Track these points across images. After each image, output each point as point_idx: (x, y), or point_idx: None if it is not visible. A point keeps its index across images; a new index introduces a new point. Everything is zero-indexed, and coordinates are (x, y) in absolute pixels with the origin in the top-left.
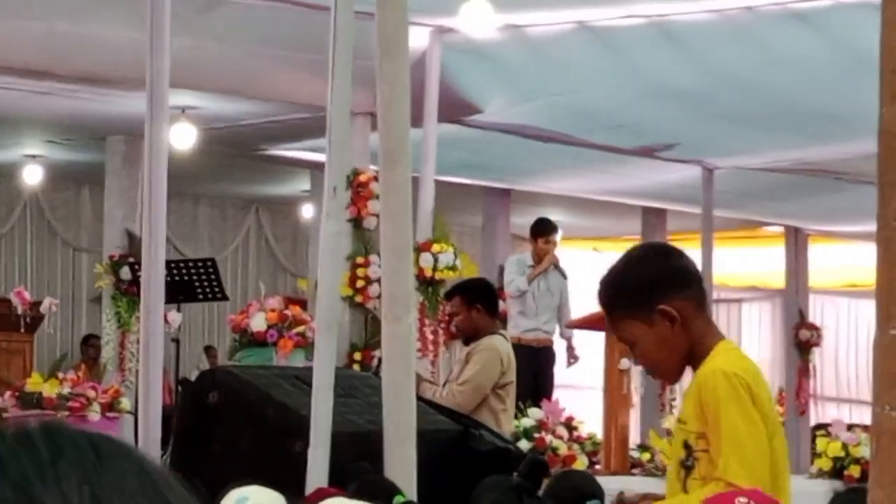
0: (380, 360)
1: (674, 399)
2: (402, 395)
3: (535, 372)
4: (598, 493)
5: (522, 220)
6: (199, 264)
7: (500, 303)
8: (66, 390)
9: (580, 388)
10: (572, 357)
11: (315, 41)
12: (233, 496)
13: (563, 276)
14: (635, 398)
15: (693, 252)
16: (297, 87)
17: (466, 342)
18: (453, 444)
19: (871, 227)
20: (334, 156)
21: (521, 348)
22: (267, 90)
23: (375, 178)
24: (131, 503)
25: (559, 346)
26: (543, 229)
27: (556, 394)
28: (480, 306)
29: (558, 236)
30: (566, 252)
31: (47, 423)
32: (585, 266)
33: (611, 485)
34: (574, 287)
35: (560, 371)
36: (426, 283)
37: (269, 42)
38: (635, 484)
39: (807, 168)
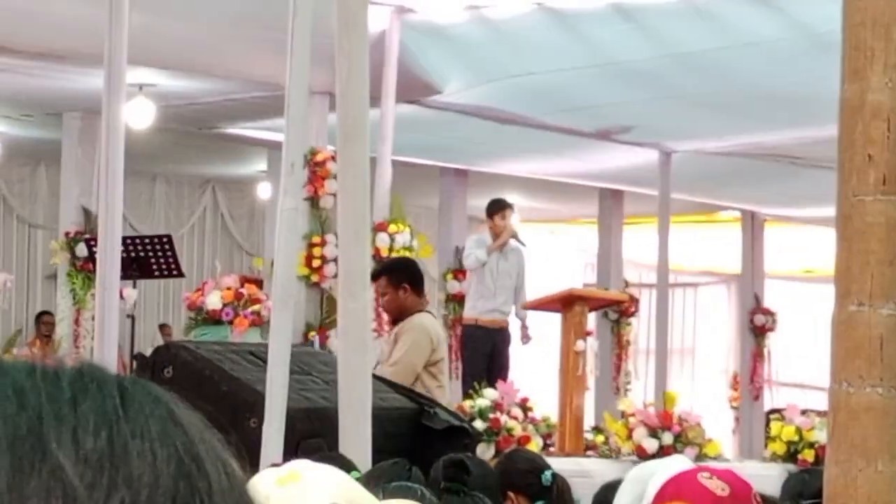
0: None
1: (629, 382)
2: (357, 373)
3: (491, 353)
4: (548, 466)
5: (479, 202)
6: (156, 241)
7: (458, 284)
8: None
9: (535, 370)
10: (525, 337)
11: (274, 19)
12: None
13: (523, 244)
14: (590, 380)
15: (650, 235)
16: (255, 66)
17: (395, 322)
18: (408, 422)
19: (828, 211)
20: (292, 132)
21: (478, 329)
22: (225, 68)
23: (333, 158)
24: (149, 450)
25: (515, 327)
26: (498, 206)
27: (512, 375)
28: (407, 286)
29: (515, 217)
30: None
31: (80, 364)
32: (542, 248)
33: (565, 466)
34: (529, 269)
35: (516, 352)
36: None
37: (228, 19)
38: (589, 465)
39: (764, 152)
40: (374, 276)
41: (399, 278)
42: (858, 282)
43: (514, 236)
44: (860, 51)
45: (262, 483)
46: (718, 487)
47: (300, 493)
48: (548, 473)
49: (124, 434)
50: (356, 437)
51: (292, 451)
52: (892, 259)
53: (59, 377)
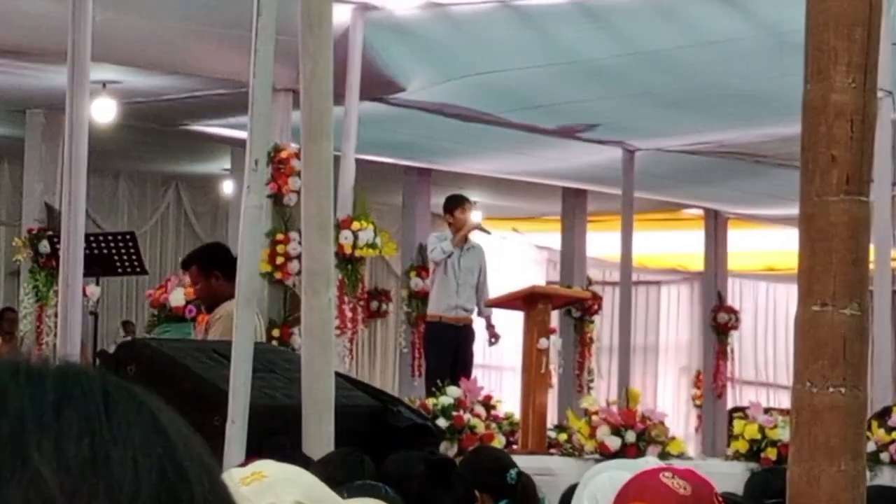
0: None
1: (592, 380)
2: (320, 370)
3: (454, 350)
4: (514, 464)
5: (442, 200)
6: (119, 237)
7: (421, 281)
8: None
9: (499, 368)
10: (493, 336)
11: (238, 16)
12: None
13: (488, 232)
14: (554, 378)
15: (613, 234)
16: (219, 63)
17: (209, 311)
18: (371, 420)
19: (790, 210)
20: (256, 129)
21: (441, 326)
22: (189, 65)
23: (296, 155)
24: (131, 458)
25: (478, 325)
26: (457, 200)
27: (475, 373)
28: (218, 273)
29: (477, 214)
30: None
31: (65, 364)
32: (506, 246)
33: (528, 464)
34: (494, 266)
35: (479, 351)
36: (346, 261)
37: (192, 17)
38: (552, 464)
39: (727, 151)
40: (186, 265)
41: (210, 265)
42: (822, 282)
43: (478, 227)
44: (823, 51)
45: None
46: (681, 487)
47: (265, 491)
48: (513, 472)
49: (107, 442)
50: (319, 434)
51: (255, 448)
52: (856, 259)
53: (43, 378)
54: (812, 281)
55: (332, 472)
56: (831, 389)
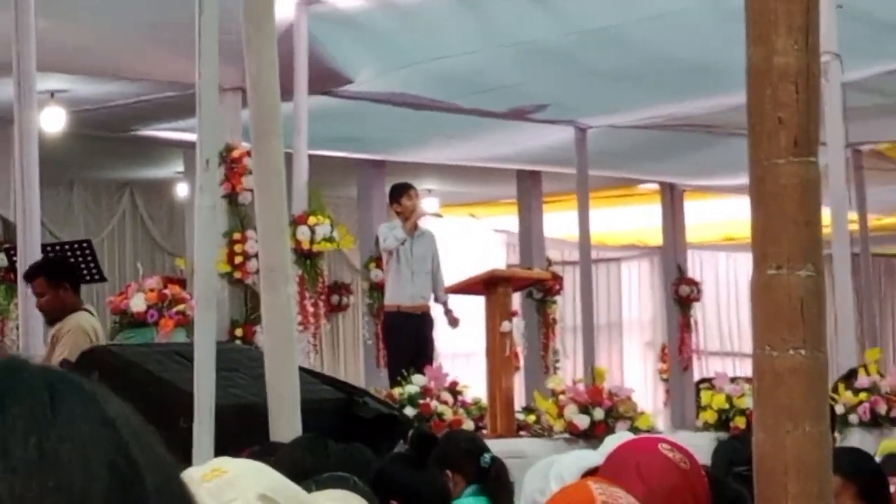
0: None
1: (557, 360)
2: (283, 366)
3: (416, 338)
4: (488, 448)
5: None
6: (76, 247)
7: (381, 272)
8: None
9: (465, 354)
10: (452, 321)
11: (181, 18)
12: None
13: (439, 215)
14: (520, 360)
15: (570, 213)
16: (165, 66)
17: (52, 323)
18: (338, 413)
19: (745, 179)
20: (205, 130)
21: (400, 315)
22: (135, 70)
23: (249, 154)
24: (80, 455)
25: (437, 312)
26: (402, 188)
27: (441, 361)
28: (67, 284)
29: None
30: (445, 220)
31: (8, 360)
32: (464, 232)
33: (498, 448)
34: (454, 253)
35: (445, 338)
36: (304, 256)
37: (135, 21)
38: (522, 446)
39: (679, 123)
40: (30, 277)
41: (58, 276)
42: (775, 245)
43: (428, 213)
44: (764, 15)
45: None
46: (681, 461)
47: (226, 487)
48: (487, 456)
49: (54, 439)
50: (286, 431)
51: (223, 449)
52: (808, 220)
53: None
54: (766, 245)
55: (298, 458)
56: (791, 352)
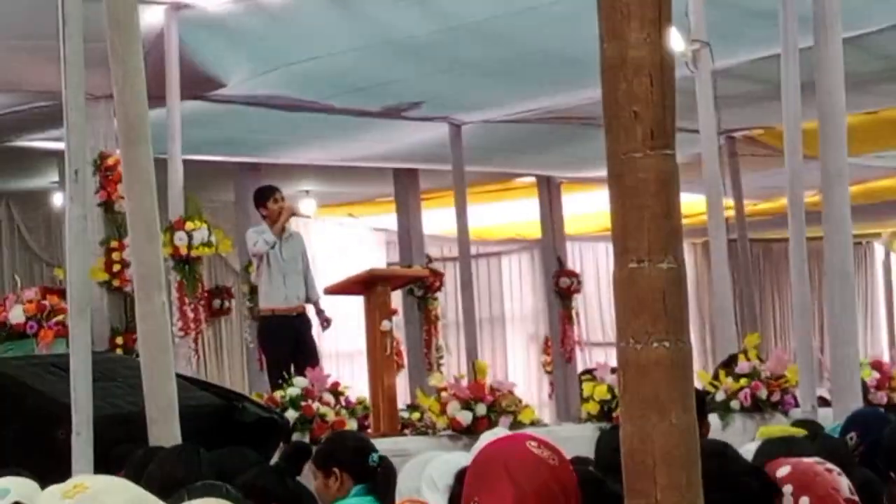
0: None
1: (441, 357)
2: (160, 373)
3: (294, 340)
4: (375, 448)
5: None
6: None
7: (252, 276)
8: None
9: (348, 355)
10: (324, 321)
11: (47, 27)
12: None
13: (308, 216)
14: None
15: (448, 210)
16: (35, 76)
17: None
18: (217, 418)
19: None
20: (73, 139)
21: (276, 318)
22: (6, 81)
23: None
24: None
25: (312, 312)
26: (267, 191)
27: (325, 362)
28: None
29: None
30: (323, 220)
31: None
32: (343, 231)
33: (382, 446)
34: (333, 254)
35: (327, 339)
36: (182, 262)
37: (3, 31)
38: (406, 444)
39: (553, 116)
40: None
41: None
42: (635, 238)
43: (296, 213)
44: (616, 9)
45: (48, 500)
46: (550, 457)
47: (89, 501)
48: (375, 455)
49: None
50: (166, 438)
51: (103, 459)
52: (667, 212)
53: None
54: (626, 238)
55: (169, 469)
56: (655, 344)
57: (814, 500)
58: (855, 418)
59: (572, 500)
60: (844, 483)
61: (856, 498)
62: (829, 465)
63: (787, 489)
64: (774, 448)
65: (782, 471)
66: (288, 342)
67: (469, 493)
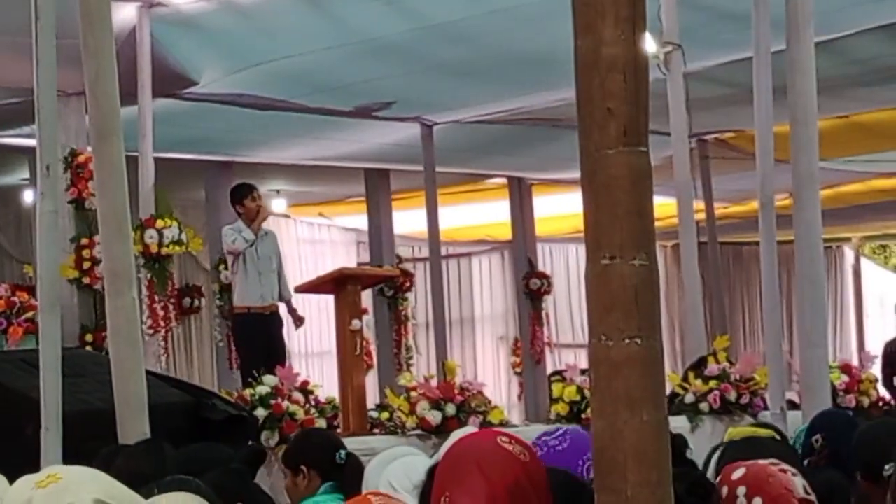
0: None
1: (410, 357)
2: (130, 370)
3: (268, 338)
4: (343, 445)
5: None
6: None
7: (228, 275)
8: None
9: (318, 354)
10: (297, 320)
11: (19, 22)
12: None
13: (287, 215)
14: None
15: (419, 210)
16: (5, 72)
17: None
18: (186, 415)
19: None
20: (44, 135)
21: (250, 316)
22: None
23: None
24: None
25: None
26: (245, 188)
27: (295, 361)
28: None
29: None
30: (294, 220)
31: None
32: (314, 231)
33: (352, 446)
34: (304, 253)
35: (297, 338)
36: (153, 260)
37: None
38: (375, 443)
39: (525, 117)
40: None
41: None
42: (608, 235)
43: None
44: (590, 6)
45: (21, 489)
46: (521, 452)
47: (62, 492)
48: (342, 452)
49: None
50: (135, 435)
51: (72, 455)
52: (640, 210)
53: None
54: (599, 235)
55: (136, 465)
56: (627, 341)
57: (766, 500)
58: (821, 420)
59: (543, 494)
60: (799, 483)
61: (812, 497)
62: (784, 466)
63: (741, 490)
64: (738, 452)
65: (737, 473)
66: (262, 340)
67: (440, 488)
